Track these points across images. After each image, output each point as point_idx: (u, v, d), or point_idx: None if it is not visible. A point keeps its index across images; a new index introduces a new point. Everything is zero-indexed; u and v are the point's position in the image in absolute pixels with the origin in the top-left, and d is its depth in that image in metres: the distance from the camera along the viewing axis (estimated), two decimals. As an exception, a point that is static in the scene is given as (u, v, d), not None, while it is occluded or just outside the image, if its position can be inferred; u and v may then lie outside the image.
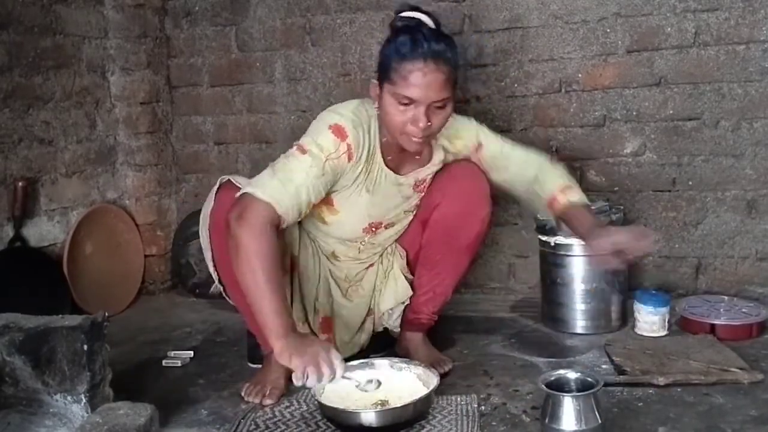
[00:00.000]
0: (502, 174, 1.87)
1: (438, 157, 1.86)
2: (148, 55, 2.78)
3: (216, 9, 2.79)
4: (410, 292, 1.94)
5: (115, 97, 2.75)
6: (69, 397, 1.53)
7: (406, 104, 1.61)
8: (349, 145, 1.67)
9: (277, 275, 1.57)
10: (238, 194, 1.62)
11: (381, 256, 1.97)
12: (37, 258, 2.40)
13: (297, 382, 1.48)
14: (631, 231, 1.72)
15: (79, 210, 2.60)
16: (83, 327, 1.53)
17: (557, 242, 2.16)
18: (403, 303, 1.96)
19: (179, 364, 2.07)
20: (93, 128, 2.68)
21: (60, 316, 1.62)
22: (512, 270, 2.61)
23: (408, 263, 1.98)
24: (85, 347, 1.52)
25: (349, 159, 1.68)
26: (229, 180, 1.76)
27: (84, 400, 1.53)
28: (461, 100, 2.52)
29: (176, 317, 2.56)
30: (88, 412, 1.52)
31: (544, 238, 2.20)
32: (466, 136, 1.86)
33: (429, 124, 1.62)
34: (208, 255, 1.82)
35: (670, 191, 2.40)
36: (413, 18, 1.68)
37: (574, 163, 2.47)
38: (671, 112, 2.35)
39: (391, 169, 1.78)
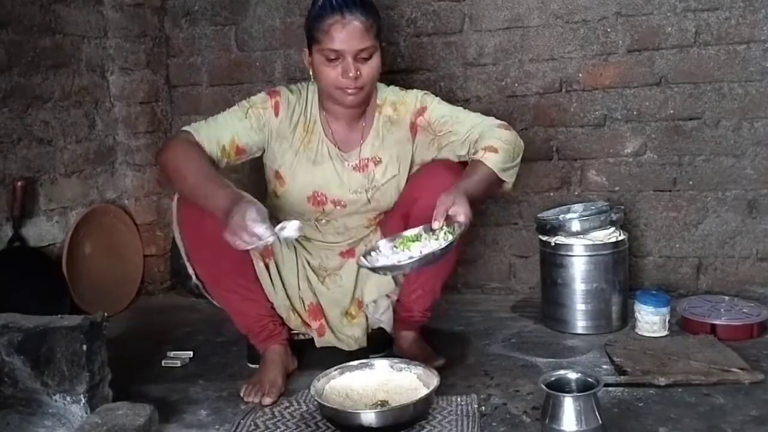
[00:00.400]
0: (452, 137, 1.84)
1: (376, 128, 1.88)
2: (147, 54, 2.78)
3: (215, 8, 2.78)
4: (393, 285, 1.94)
5: (115, 96, 2.75)
6: (68, 398, 1.53)
7: (333, 59, 1.72)
8: (276, 102, 1.84)
9: (207, 168, 1.69)
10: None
11: (359, 245, 1.97)
12: (36, 258, 2.40)
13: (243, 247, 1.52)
14: (445, 206, 1.59)
15: (78, 210, 2.59)
16: (82, 327, 1.53)
17: (557, 242, 2.15)
18: (388, 297, 1.95)
19: (179, 364, 2.07)
20: (92, 128, 2.67)
21: (59, 316, 1.62)
22: (512, 270, 2.60)
23: None
24: (85, 347, 1.52)
25: (276, 113, 1.84)
26: None
27: (83, 401, 1.53)
28: (461, 100, 2.52)
29: (176, 317, 2.55)
30: (87, 413, 1.52)
31: (545, 238, 2.20)
32: (409, 101, 1.89)
33: (359, 73, 1.72)
34: (183, 253, 1.88)
35: (670, 191, 2.39)
36: None
37: (575, 163, 2.47)
38: (672, 111, 2.35)
39: (334, 145, 1.87)
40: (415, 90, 1.92)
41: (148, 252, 2.85)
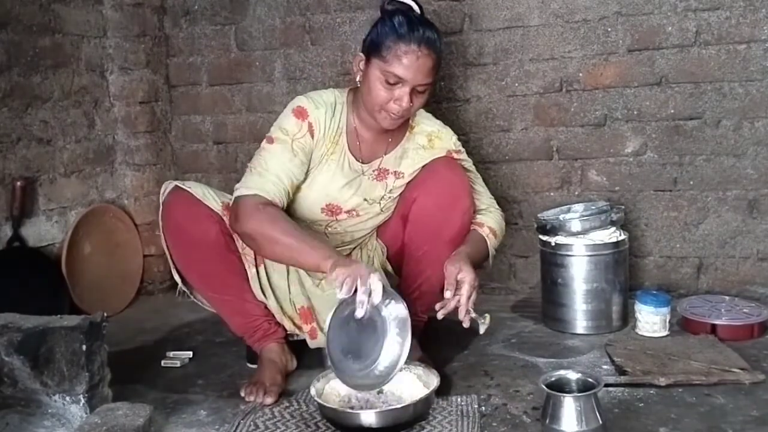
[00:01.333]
0: None
1: (405, 148, 1.89)
2: (147, 54, 2.77)
3: (215, 8, 2.78)
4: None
5: (114, 96, 2.75)
6: (68, 398, 1.53)
7: (392, 83, 1.69)
8: (310, 123, 1.78)
9: (295, 227, 1.66)
10: (231, 202, 1.75)
11: (361, 250, 1.98)
12: (36, 258, 2.40)
13: (339, 295, 1.52)
14: (453, 275, 1.68)
15: (77, 210, 2.59)
16: (82, 327, 1.53)
17: (558, 242, 2.15)
18: None
19: (178, 365, 2.07)
20: (92, 128, 2.67)
21: (59, 316, 1.62)
22: (512, 270, 2.60)
23: (389, 258, 1.99)
24: (84, 347, 1.52)
25: (312, 136, 1.79)
26: (175, 185, 1.86)
27: (83, 401, 1.53)
28: (461, 100, 2.52)
29: (175, 317, 2.55)
30: (86, 413, 1.52)
31: (545, 238, 2.19)
32: (445, 137, 1.93)
33: (411, 105, 1.71)
34: (169, 259, 1.89)
35: (671, 191, 2.39)
36: (404, 3, 1.76)
37: (575, 163, 2.47)
38: (672, 111, 2.35)
39: (355, 156, 1.85)
40: (448, 128, 1.94)
41: (148, 252, 2.85)
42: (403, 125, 1.87)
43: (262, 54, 2.75)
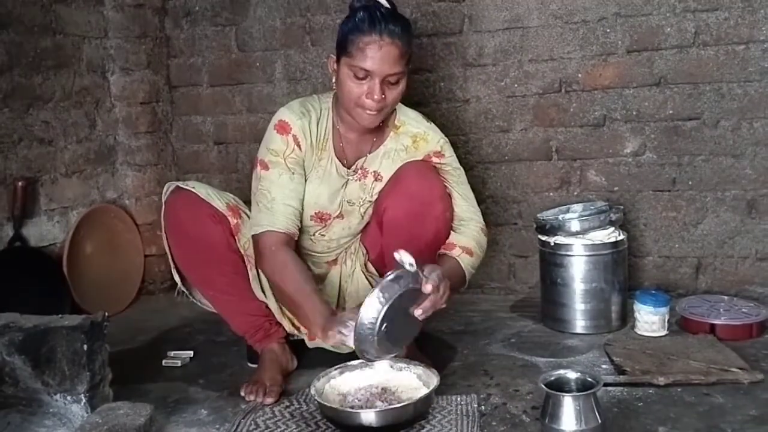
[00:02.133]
0: None
1: (388, 148, 1.86)
2: (147, 55, 2.78)
3: (216, 9, 2.79)
4: None
5: (115, 96, 2.75)
6: (69, 397, 1.53)
7: (361, 78, 1.68)
8: (294, 136, 1.78)
9: (299, 279, 1.68)
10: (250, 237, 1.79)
11: (346, 254, 1.98)
12: (37, 258, 2.40)
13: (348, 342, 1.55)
14: (432, 291, 1.56)
15: (78, 210, 2.60)
16: (83, 327, 1.53)
17: (557, 242, 2.16)
18: None
19: (179, 364, 2.07)
20: (93, 128, 2.68)
21: (60, 316, 1.63)
22: (512, 270, 2.61)
23: (371, 261, 1.97)
24: (85, 347, 1.52)
25: (300, 147, 1.79)
26: (176, 185, 1.87)
27: (84, 400, 1.53)
28: (461, 100, 2.53)
29: (176, 317, 2.56)
30: (87, 412, 1.52)
31: (544, 238, 2.20)
32: (431, 139, 1.87)
33: (383, 97, 1.69)
34: (170, 259, 1.90)
35: (670, 191, 2.40)
36: None
37: (574, 163, 2.47)
38: (671, 112, 2.35)
39: (340, 159, 1.84)
40: (438, 131, 1.89)
41: (149, 252, 2.85)
42: (387, 125, 1.85)
43: (263, 55, 2.76)
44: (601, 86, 2.41)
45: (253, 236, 1.75)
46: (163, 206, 1.87)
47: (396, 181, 1.83)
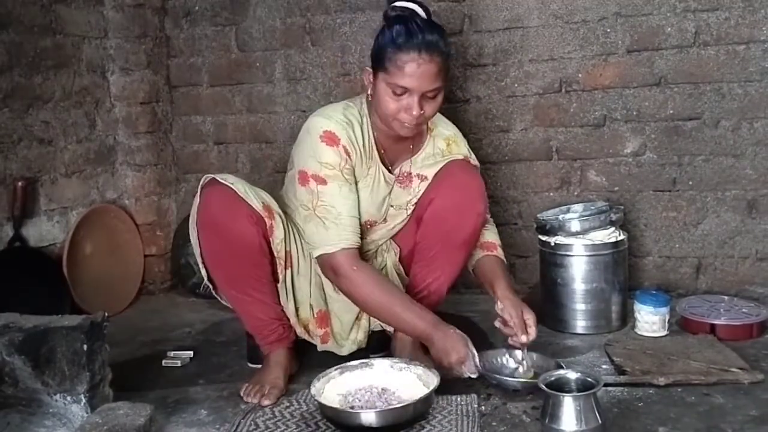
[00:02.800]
0: None
1: (427, 152, 1.90)
2: (147, 54, 2.78)
3: (216, 9, 2.79)
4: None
5: (115, 96, 2.75)
6: (69, 397, 1.53)
7: (399, 94, 1.67)
8: (344, 147, 1.75)
9: (391, 293, 1.75)
10: (317, 257, 1.78)
11: (375, 252, 1.98)
12: (37, 258, 2.40)
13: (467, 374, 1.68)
14: (523, 319, 1.79)
15: (78, 210, 2.60)
16: (83, 327, 1.53)
17: (557, 242, 2.16)
18: None
19: (179, 364, 2.07)
20: (93, 128, 2.67)
21: (60, 316, 1.63)
22: (512, 270, 2.60)
23: (401, 260, 1.99)
24: (85, 347, 1.52)
25: (350, 158, 1.77)
26: (213, 178, 1.81)
27: (84, 400, 1.53)
28: (461, 100, 2.53)
29: (176, 317, 2.56)
30: (87, 412, 1.52)
31: (544, 238, 2.20)
32: (462, 145, 1.96)
33: (422, 112, 1.69)
34: (197, 253, 1.86)
35: (670, 191, 2.40)
36: (406, 8, 1.71)
37: (574, 163, 2.47)
38: (671, 111, 2.35)
39: (385, 166, 1.85)
40: (461, 133, 1.98)
41: (149, 252, 2.85)
42: (423, 130, 1.87)
43: (263, 55, 2.76)
44: (602, 86, 2.41)
45: (323, 255, 1.73)
46: (198, 198, 1.80)
47: (444, 176, 1.86)
